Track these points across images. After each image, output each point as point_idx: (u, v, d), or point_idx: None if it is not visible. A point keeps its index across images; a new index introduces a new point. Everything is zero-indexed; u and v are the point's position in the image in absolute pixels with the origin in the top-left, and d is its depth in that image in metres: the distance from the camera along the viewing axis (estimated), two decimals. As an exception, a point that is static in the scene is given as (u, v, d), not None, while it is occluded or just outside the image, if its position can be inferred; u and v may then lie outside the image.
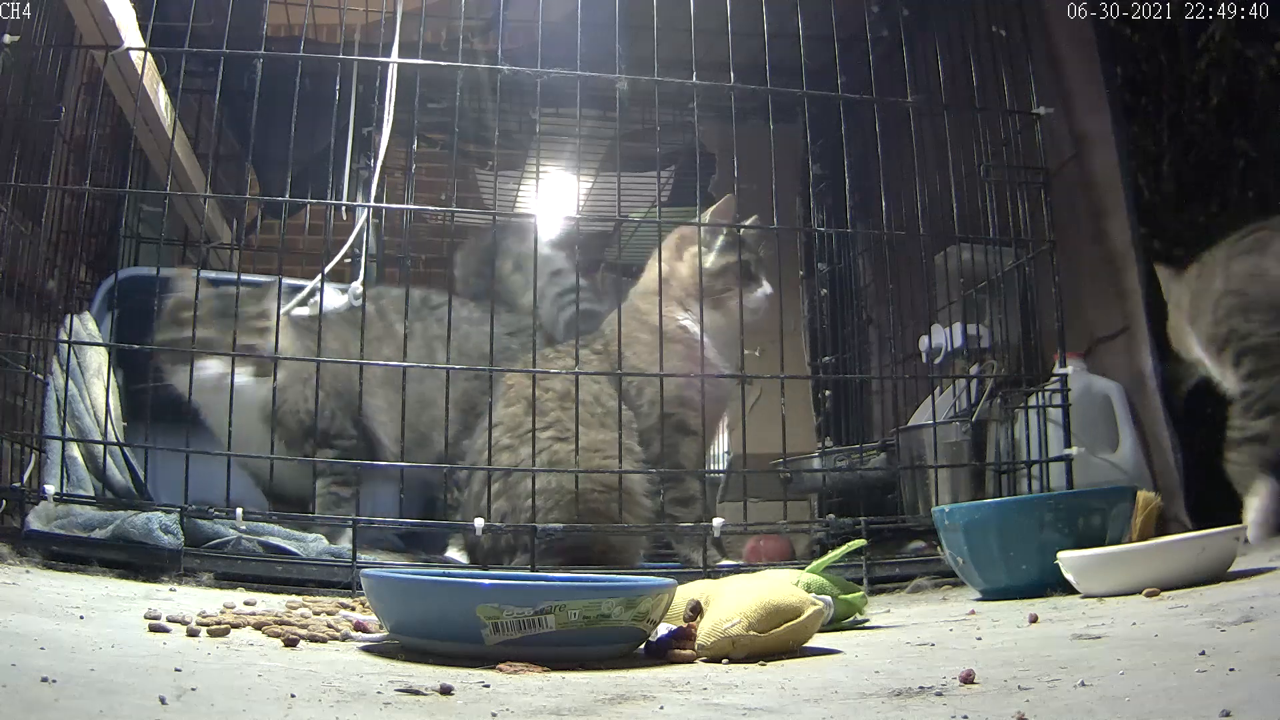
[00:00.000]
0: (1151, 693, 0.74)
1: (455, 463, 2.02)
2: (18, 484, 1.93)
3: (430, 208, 3.01)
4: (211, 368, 1.90)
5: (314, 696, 0.77)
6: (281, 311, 1.97)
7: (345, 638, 1.12)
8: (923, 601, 1.69)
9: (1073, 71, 2.24)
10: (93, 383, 2.01)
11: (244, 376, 1.90)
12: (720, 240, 2.08)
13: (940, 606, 1.58)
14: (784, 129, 2.47)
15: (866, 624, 1.37)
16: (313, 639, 1.08)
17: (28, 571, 1.53)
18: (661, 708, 0.79)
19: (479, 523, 1.78)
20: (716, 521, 1.85)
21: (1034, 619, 1.23)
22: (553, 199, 3.58)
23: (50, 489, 1.75)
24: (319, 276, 1.99)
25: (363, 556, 1.72)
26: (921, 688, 0.83)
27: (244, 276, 2.02)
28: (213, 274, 2.17)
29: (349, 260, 2.34)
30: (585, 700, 0.82)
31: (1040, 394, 2.03)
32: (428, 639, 1.02)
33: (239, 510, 1.73)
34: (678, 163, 3.20)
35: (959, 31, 2.12)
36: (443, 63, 2.10)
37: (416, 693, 0.81)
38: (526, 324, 2.20)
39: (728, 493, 2.63)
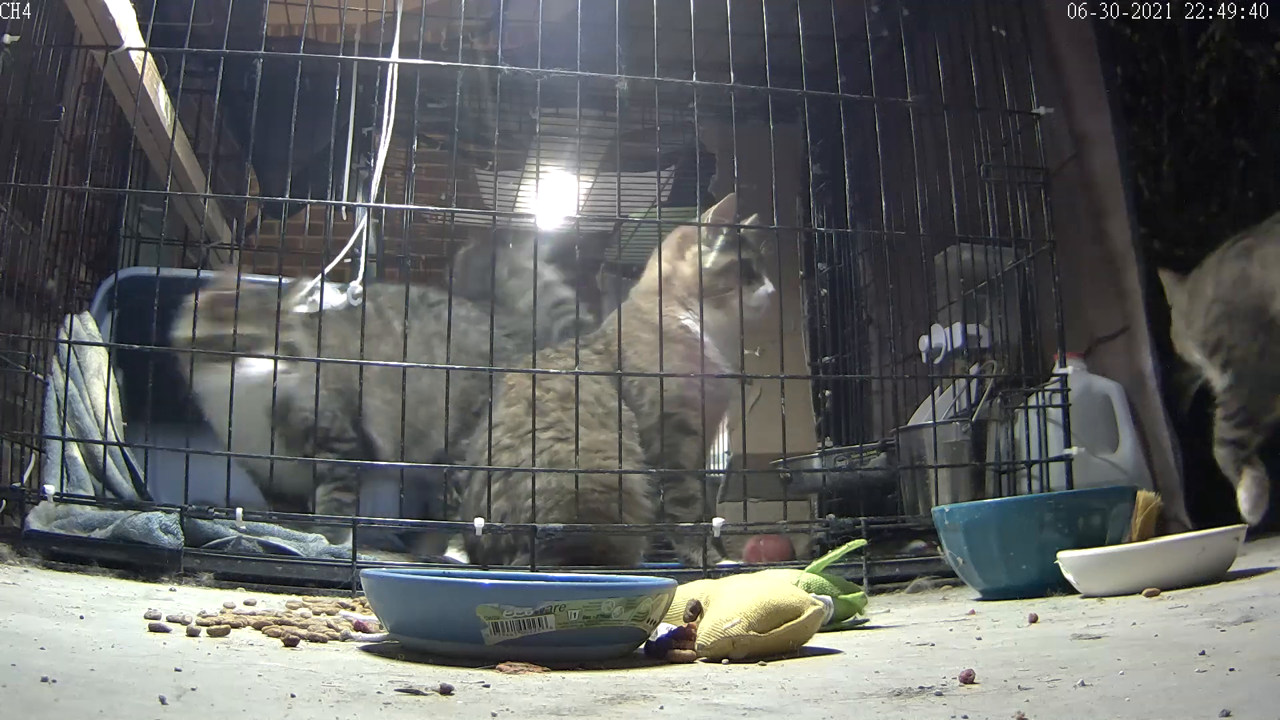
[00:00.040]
0: (1151, 693, 0.74)
1: (453, 461, 2.02)
2: (18, 484, 1.93)
3: (430, 208, 3.01)
4: (254, 365, 1.90)
5: (314, 696, 0.77)
6: (282, 309, 1.97)
7: (345, 638, 1.12)
8: (923, 601, 1.69)
9: (1073, 71, 2.24)
10: (93, 383, 2.01)
11: (281, 374, 1.90)
12: (721, 239, 2.08)
13: (940, 606, 1.58)
14: (784, 129, 2.47)
15: (866, 624, 1.37)
16: (313, 639, 1.08)
17: (27, 571, 1.52)
18: (661, 708, 0.79)
19: (479, 523, 1.78)
20: (716, 521, 1.85)
21: (1034, 619, 1.23)
22: (553, 199, 3.58)
23: (50, 489, 1.75)
24: (319, 276, 1.99)
25: (362, 556, 1.72)
26: (921, 688, 0.83)
27: (244, 277, 2.02)
28: (213, 274, 2.17)
29: (349, 260, 2.34)
30: (585, 700, 0.82)
31: (1040, 394, 2.03)
32: (428, 639, 1.02)
33: (239, 510, 1.73)
34: (678, 163, 3.20)
35: (959, 31, 2.12)
36: (443, 63, 2.10)
37: (416, 693, 0.81)
38: (521, 326, 2.20)
39: (728, 493, 2.63)
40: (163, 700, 0.69)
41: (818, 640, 1.15)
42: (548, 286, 2.32)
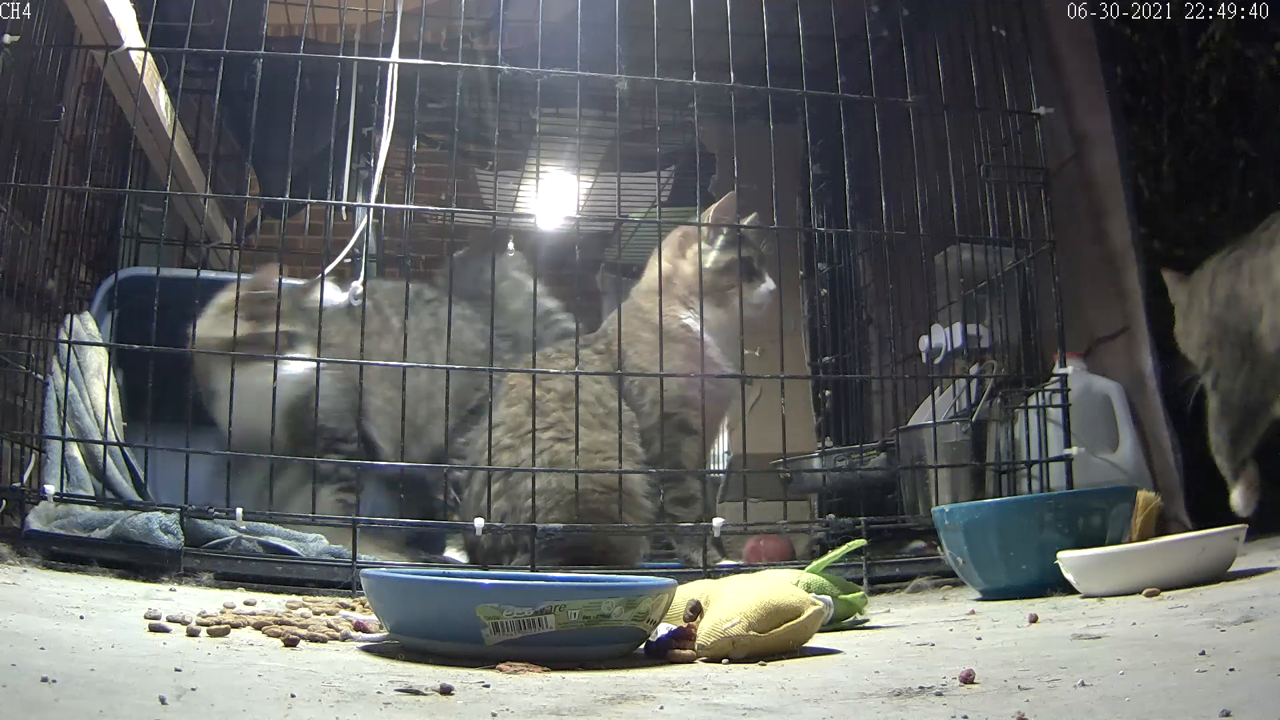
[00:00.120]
0: (1151, 693, 0.74)
1: (451, 460, 2.02)
2: (18, 484, 1.93)
3: (430, 208, 3.01)
4: (289, 363, 1.91)
5: (314, 696, 0.77)
6: (307, 306, 1.98)
7: (345, 638, 1.12)
8: (923, 601, 1.69)
9: (1073, 71, 2.24)
10: (93, 383, 2.01)
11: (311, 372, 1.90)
12: (722, 238, 2.08)
13: (940, 606, 1.58)
14: (784, 129, 2.47)
15: (866, 624, 1.37)
16: (313, 639, 1.08)
17: (27, 571, 1.52)
18: (661, 708, 0.79)
19: (479, 523, 1.78)
20: (716, 521, 1.85)
21: (1034, 619, 1.23)
22: (553, 199, 3.58)
23: (50, 489, 1.75)
24: (319, 276, 1.99)
25: (363, 556, 1.72)
26: (921, 688, 0.83)
27: (247, 277, 2.02)
28: (213, 274, 2.17)
29: (349, 260, 2.34)
30: (585, 700, 0.82)
31: (1040, 394, 2.03)
32: (428, 639, 1.02)
33: (239, 510, 1.73)
34: (678, 163, 3.20)
35: (959, 31, 2.12)
36: (443, 63, 2.11)
37: (416, 693, 0.81)
38: (512, 330, 2.21)
39: (728, 493, 2.63)
40: (163, 700, 0.69)
41: (818, 640, 1.15)
42: (520, 289, 2.33)
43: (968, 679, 0.84)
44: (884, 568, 1.87)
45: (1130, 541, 1.53)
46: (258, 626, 1.11)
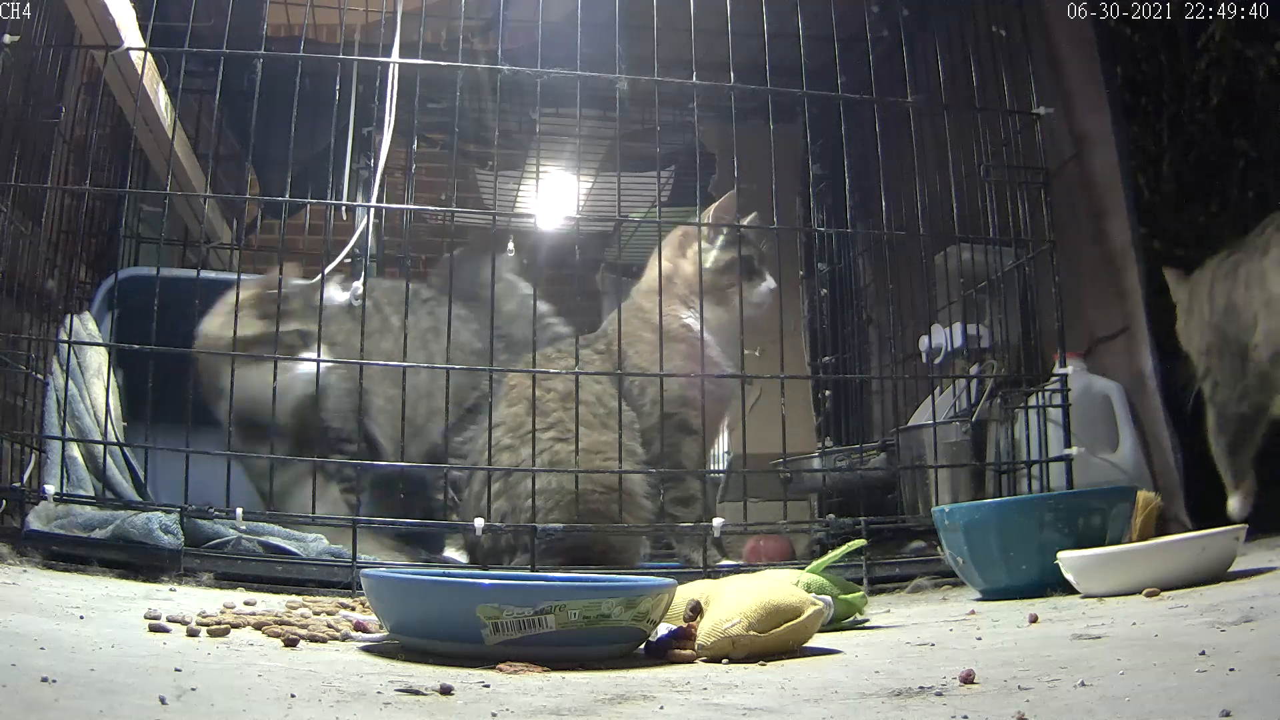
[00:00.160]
0: (1151, 693, 0.74)
1: (449, 459, 2.02)
2: (18, 484, 1.93)
3: (430, 208, 3.02)
4: (307, 362, 1.90)
5: (314, 696, 0.77)
6: (316, 304, 1.97)
7: (345, 638, 1.12)
8: (923, 601, 1.69)
9: (1073, 71, 2.24)
10: (93, 383, 2.01)
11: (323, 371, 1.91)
12: (722, 237, 2.09)
13: (940, 606, 1.58)
14: (784, 129, 2.47)
15: (866, 624, 1.37)
16: (313, 639, 1.08)
17: (27, 571, 1.52)
18: (661, 708, 0.79)
19: (479, 523, 1.78)
20: (716, 521, 1.85)
21: (1034, 619, 1.23)
22: (553, 199, 3.58)
23: (50, 489, 1.75)
24: (319, 276, 1.99)
25: (362, 555, 1.72)
26: (921, 688, 0.83)
27: (247, 277, 2.02)
28: (213, 274, 2.17)
29: (349, 260, 2.34)
30: (585, 700, 0.82)
31: (1040, 394, 2.03)
32: (428, 639, 1.02)
33: (239, 510, 1.73)
34: (678, 163, 3.20)
35: (959, 31, 2.12)
36: (443, 63, 2.11)
37: (416, 693, 0.81)
38: (504, 331, 2.21)
39: (728, 493, 2.63)
40: (163, 700, 0.69)
41: (818, 640, 1.15)
42: (524, 300, 2.33)
43: (968, 679, 0.84)
44: (884, 568, 1.87)
45: (1130, 541, 1.53)
46: (258, 626, 1.11)
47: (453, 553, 2.05)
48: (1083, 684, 0.79)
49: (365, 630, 1.16)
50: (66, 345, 1.98)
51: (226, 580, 1.61)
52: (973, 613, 1.40)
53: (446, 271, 2.33)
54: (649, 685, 0.89)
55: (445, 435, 1.98)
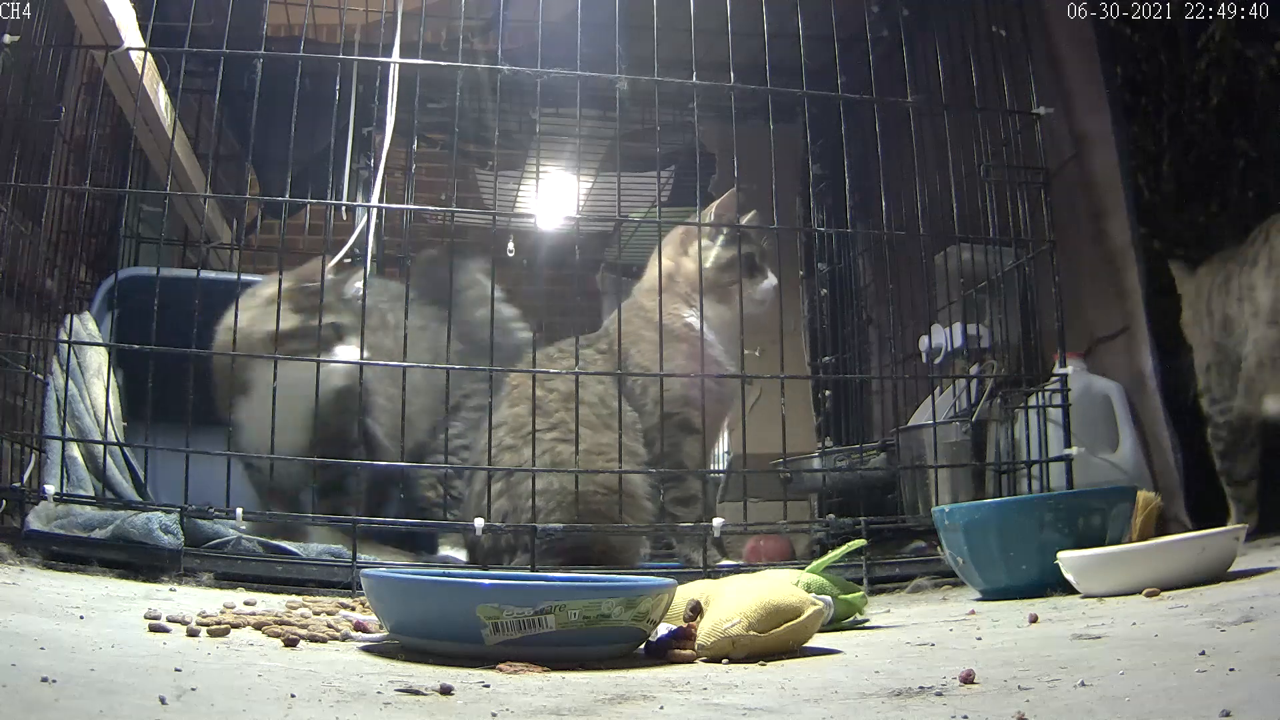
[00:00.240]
0: (1151, 693, 0.74)
1: (433, 455, 2.02)
2: (18, 484, 1.93)
3: (430, 208, 3.02)
4: (343, 355, 1.90)
5: (314, 696, 0.77)
6: (337, 297, 1.97)
7: (345, 638, 1.12)
8: (923, 601, 1.69)
9: (1073, 71, 2.24)
10: (93, 383, 2.01)
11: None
12: (723, 235, 2.09)
13: (940, 606, 1.58)
14: (784, 129, 2.47)
15: (866, 624, 1.37)
16: (313, 639, 1.08)
17: (26, 571, 1.52)
18: (661, 708, 0.79)
19: (479, 522, 1.78)
20: (716, 521, 1.85)
21: (1034, 619, 1.23)
22: (553, 199, 3.58)
23: (50, 489, 1.75)
24: (319, 276, 1.98)
25: (361, 556, 1.72)
26: (921, 688, 0.83)
27: (247, 277, 2.02)
28: (213, 274, 2.17)
29: (349, 260, 2.34)
30: (585, 700, 0.82)
31: (1040, 394, 2.03)
32: (428, 639, 1.02)
33: (239, 510, 1.73)
34: (678, 163, 3.20)
35: (959, 31, 2.12)
36: (443, 63, 2.11)
37: (416, 693, 0.81)
38: (476, 336, 2.21)
39: (728, 493, 2.63)
40: (163, 700, 0.69)
41: (818, 640, 1.15)
42: (486, 298, 2.32)
43: (968, 679, 0.84)
44: (884, 568, 1.87)
45: (1130, 541, 1.53)
46: (258, 626, 1.11)
47: (448, 550, 2.05)
48: (1083, 684, 0.79)
49: (365, 630, 1.16)
50: (66, 345, 1.97)
51: (226, 580, 1.61)
52: (973, 613, 1.40)
53: (416, 272, 2.34)
54: (649, 685, 0.89)
55: (445, 435, 1.97)
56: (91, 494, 1.87)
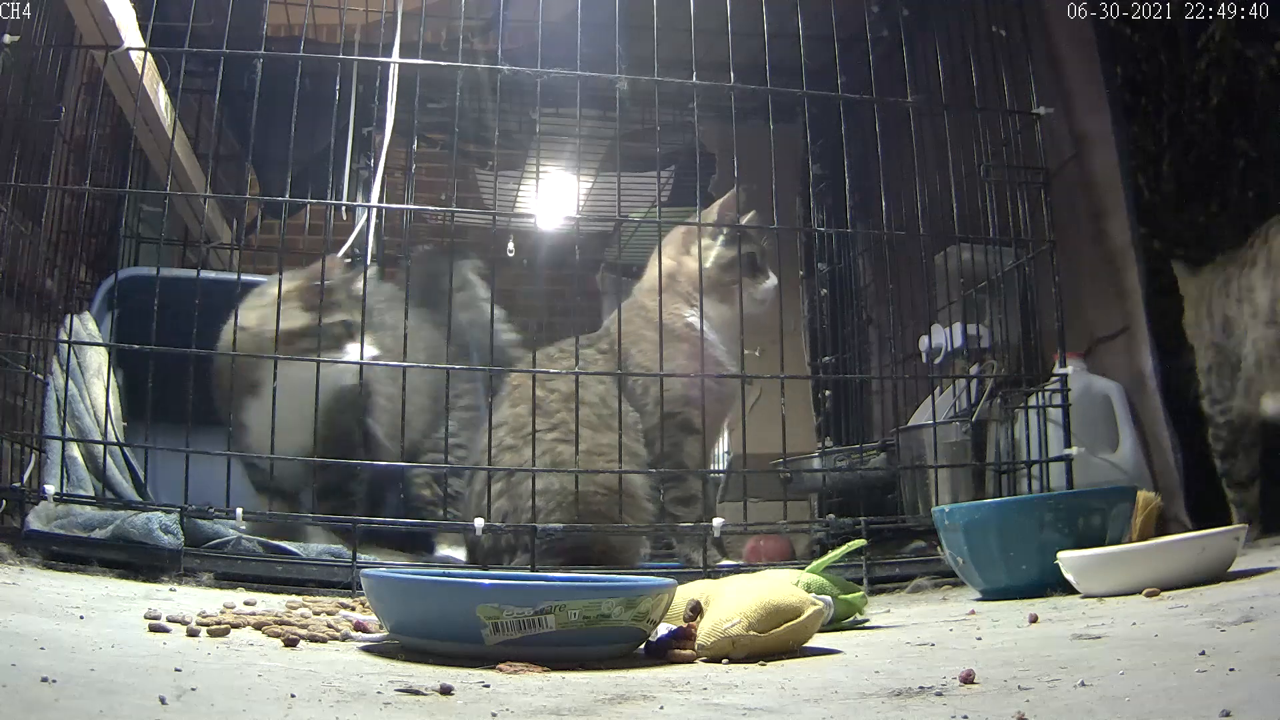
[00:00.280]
0: (1151, 693, 0.74)
1: (430, 455, 2.02)
2: (18, 484, 1.93)
3: (430, 208, 3.01)
4: (353, 353, 1.89)
5: (314, 696, 0.77)
6: (349, 294, 1.97)
7: (345, 638, 1.12)
8: (923, 601, 1.69)
9: (1073, 71, 2.24)
10: (93, 383, 2.01)
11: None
12: (723, 235, 2.09)
13: (940, 606, 1.58)
14: (784, 129, 2.47)
15: (866, 624, 1.37)
16: (313, 639, 1.08)
17: (26, 572, 1.52)
18: (661, 708, 0.79)
19: (479, 522, 1.78)
20: (717, 521, 1.85)
21: (1034, 619, 1.23)
22: (553, 199, 3.58)
23: (50, 489, 1.75)
24: (320, 275, 1.98)
25: (362, 556, 1.72)
26: (921, 688, 0.83)
27: (247, 277, 2.02)
28: (213, 274, 2.17)
29: (349, 260, 2.34)
30: (585, 700, 0.82)
31: (1040, 394, 2.03)
32: (428, 639, 1.02)
33: (239, 510, 1.73)
34: (678, 163, 3.20)
35: (959, 31, 2.12)
36: (443, 63, 2.10)
37: (416, 693, 0.81)
38: (462, 340, 2.22)
39: (728, 493, 2.63)
40: (163, 700, 0.69)
41: (818, 640, 1.15)
42: (474, 301, 2.32)
43: (968, 679, 0.84)
44: (884, 568, 1.87)
45: (1130, 541, 1.53)
46: (258, 626, 1.11)
47: (446, 549, 2.05)
48: (1083, 684, 0.79)
49: (365, 630, 1.16)
50: (66, 345, 1.97)
51: (226, 580, 1.61)
52: (973, 613, 1.40)
53: (410, 271, 2.34)
54: (649, 685, 0.89)
55: (445, 435, 1.98)
56: (91, 494, 1.87)
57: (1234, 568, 1.37)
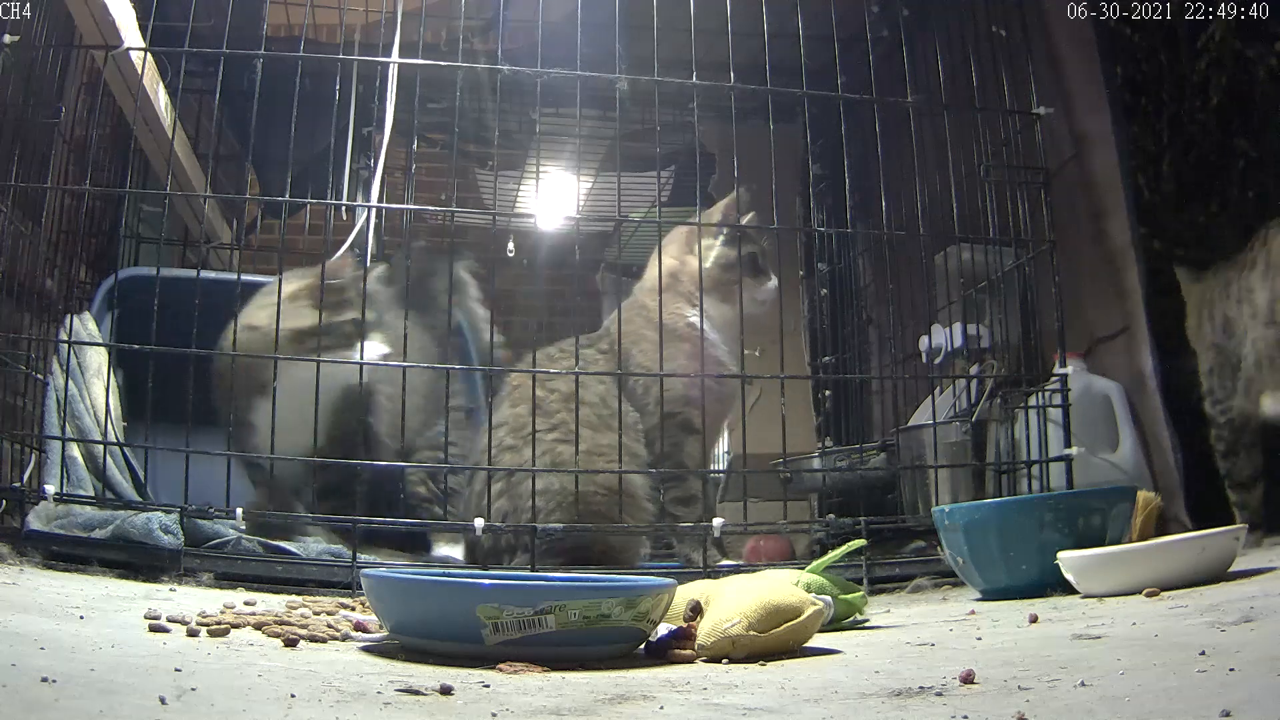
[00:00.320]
0: (1151, 693, 0.74)
1: (424, 453, 2.03)
2: (18, 484, 1.93)
3: (430, 208, 3.02)
4: (366, 351, 1.89)
5: (314, 696, 0.77)
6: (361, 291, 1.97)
7: (345, 638, 1.12)
8: (923, 601, 1.69)
9: (1073, 71, 2.24)
10: (93, 383, 2.01)
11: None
12: (723, 235, 2.09)
13: (940, 606, 1.58)
14: (784, 129, 2.47)
15: (866, 624, 1.37)
16: (313, 639, 1.08)
17: (26, 572, 1.52)
18: (661, 708, 0.79)
19: (479, 522, 1.78)
20: (716, 521, 1.85)
21: (1034, 619, 1.23)
22: (553, 199, 3.58)
23: (50, 489, 1.75)
24: (319, 273, 1.99)
25: (362, 556, 1.72)
26: (921, 688, 0.83)
27: (247, 277, 2.02)
28: (213, 274, 2.16)
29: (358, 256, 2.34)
30: (585, 700, 0.82)
31: (1040, 394, 2.03)
32: (428, 639, 1.02)
33: (239, 510, 1.73)
34: (678, 163, 3.20)
35: (959, 31, 2.12)
36: (443, 63, 2.10)
37: (416, 693, 0.81)
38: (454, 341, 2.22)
39: (728, 493, 2.63)
40: (163, 700, 0.69)
41: (818, 640, 1.15)
42: (463, 302, 2.32)
43: (968, 679, 0.84)
44: (884, 568, 1.87)
45: (1130, 541, 1.53)
46: (258, 626, 1.11)
47: (444, 548, 2.05)
48: (1083, 684, 0.79)
49: (365, 630, 1.16)
50: (66, 345, 1.97)
51: (226, 580, 1.61)
52: (973, 613, 1.40)
53: (399, 272, 2.34)
54: (649, 685, 0.89)
55: (447, 439, 1.98)
56: (91, 494, 1.87)
57: (1234, 568, 1.37)
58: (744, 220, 2.11)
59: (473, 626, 0.96)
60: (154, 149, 2.37)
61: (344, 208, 2.68)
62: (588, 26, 1.88)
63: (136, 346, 1.77)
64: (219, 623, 1.09)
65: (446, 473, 2.09)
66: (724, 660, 1.03)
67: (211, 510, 1.72)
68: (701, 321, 2.01)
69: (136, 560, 1.62)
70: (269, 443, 1.80)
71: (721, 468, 2.70)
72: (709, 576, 1.54)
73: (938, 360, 2.43)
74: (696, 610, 1.13)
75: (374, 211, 2.32)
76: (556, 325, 3.72)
